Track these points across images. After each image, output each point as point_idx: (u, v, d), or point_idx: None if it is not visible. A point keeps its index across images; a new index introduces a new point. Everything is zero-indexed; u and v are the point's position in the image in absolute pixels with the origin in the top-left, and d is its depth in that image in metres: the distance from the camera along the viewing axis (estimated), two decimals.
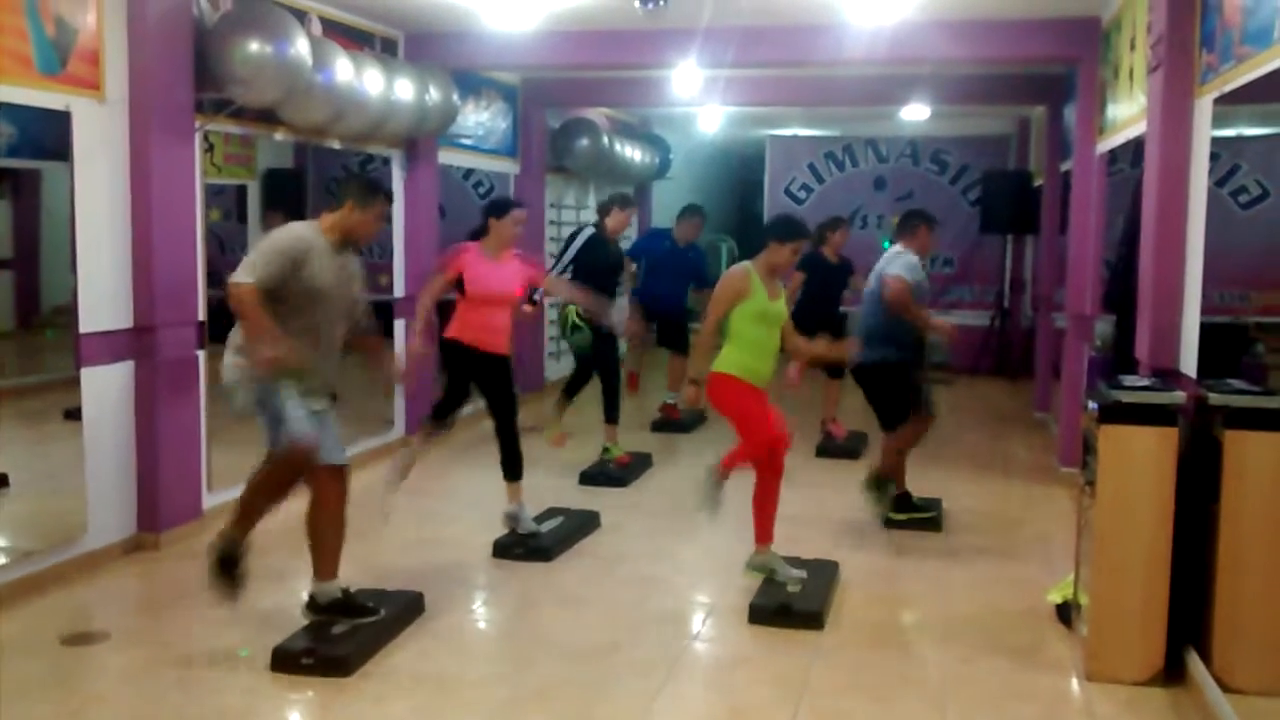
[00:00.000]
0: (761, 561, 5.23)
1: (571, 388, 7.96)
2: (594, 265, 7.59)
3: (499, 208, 5.96)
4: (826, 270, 8.43)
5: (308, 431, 4.34)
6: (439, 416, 6.15)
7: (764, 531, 5.24)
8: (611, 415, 7.83)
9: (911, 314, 6.18)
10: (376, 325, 4.91)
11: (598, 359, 7.79)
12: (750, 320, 5.03)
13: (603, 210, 7.89)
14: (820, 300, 8.32)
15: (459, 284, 5.80)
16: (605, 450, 7.77)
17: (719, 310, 5.05)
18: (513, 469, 5.91)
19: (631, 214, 8.05)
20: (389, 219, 4.52)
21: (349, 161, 8.98)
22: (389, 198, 4.70)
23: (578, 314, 7.53)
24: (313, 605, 4.59)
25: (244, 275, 4.24)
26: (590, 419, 8.15)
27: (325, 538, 4.59)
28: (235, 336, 4.40)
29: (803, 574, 5.19)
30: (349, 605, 4.60)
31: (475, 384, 5.95)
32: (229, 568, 4.43)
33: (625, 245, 9.13)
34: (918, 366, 6.50)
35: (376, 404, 8.60)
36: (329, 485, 4.55)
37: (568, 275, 7.48)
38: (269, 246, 4.33)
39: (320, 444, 4.42)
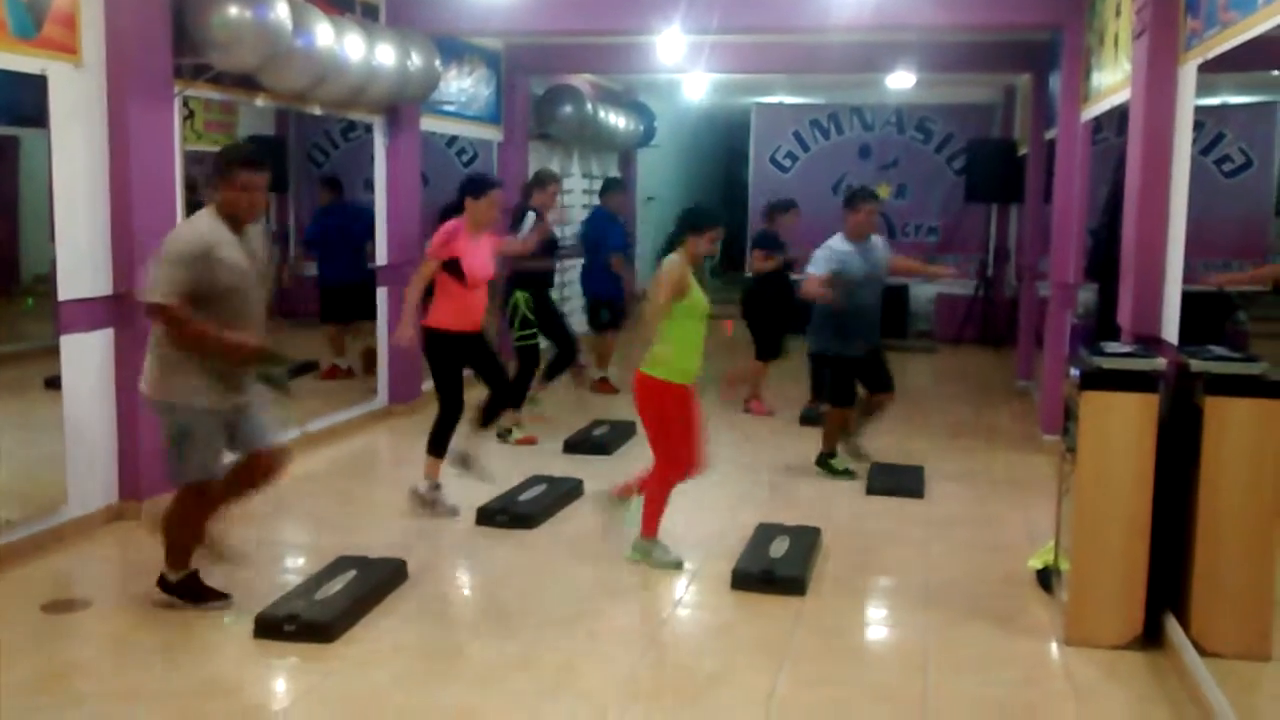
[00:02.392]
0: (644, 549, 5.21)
1: (552, 371, 8.12)
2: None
3: (476, 187, 5.90)
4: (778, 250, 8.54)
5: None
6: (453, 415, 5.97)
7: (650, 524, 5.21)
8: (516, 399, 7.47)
9: None
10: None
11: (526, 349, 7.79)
12: (684, 315, 4.95)
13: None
14: (772, 281, 8.47)
15: (451, 267, 5.73)
16: (508, 433, 7.49)
17: (666, 297, 4.91)
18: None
19: (551, 191, 7.82)
20: (268, 185, 4.44)
21: (331, 128, 8.94)
22: (247, 164, 4.42)
23: (528, 307, 7.67)
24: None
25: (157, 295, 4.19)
26: (567, 391, 8.18)
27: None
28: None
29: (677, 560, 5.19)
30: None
31: (468, 365, 5.99)
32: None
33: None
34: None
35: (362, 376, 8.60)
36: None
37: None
38: (174, 255, 4.24)
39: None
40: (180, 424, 4.33)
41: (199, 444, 4.35)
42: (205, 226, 4.30)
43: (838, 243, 6.58)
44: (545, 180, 7.87)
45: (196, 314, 4.20)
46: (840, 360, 6.65)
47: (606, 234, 9.24)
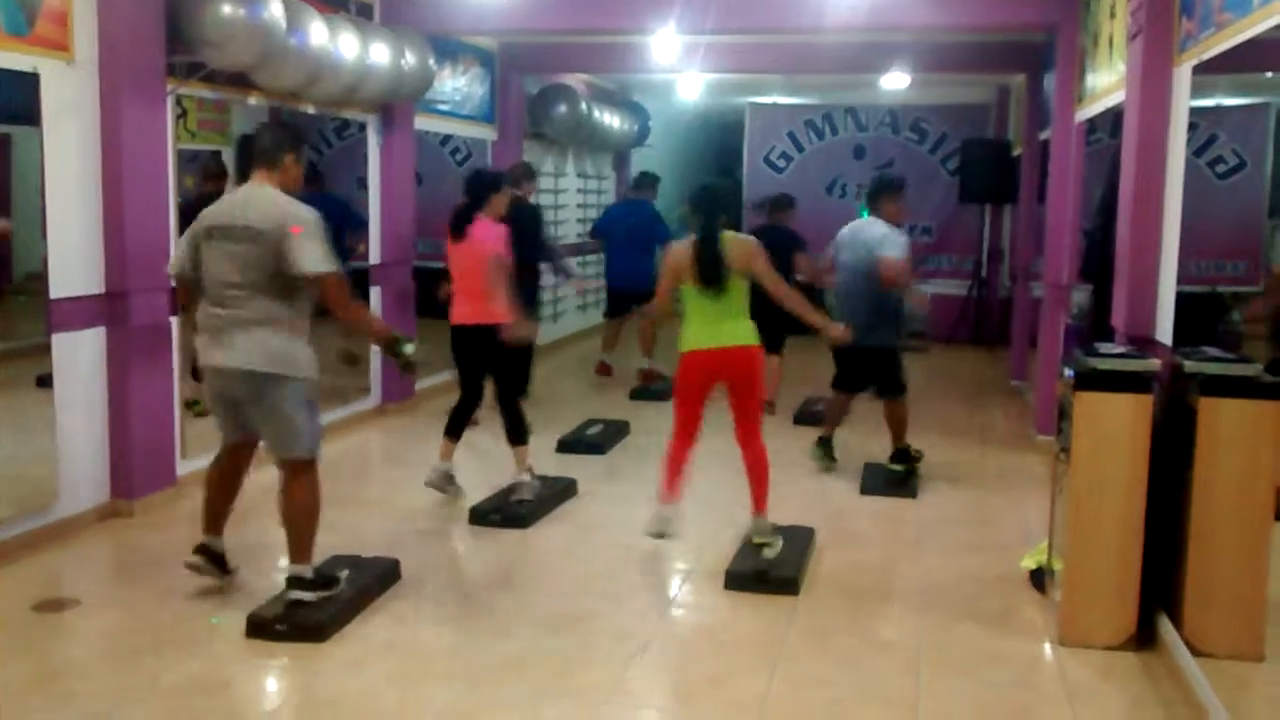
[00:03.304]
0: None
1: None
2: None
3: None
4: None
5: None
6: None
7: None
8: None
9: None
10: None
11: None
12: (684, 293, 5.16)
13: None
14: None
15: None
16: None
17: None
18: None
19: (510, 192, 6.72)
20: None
21: (324, 127, 8.91)
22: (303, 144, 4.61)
23: None
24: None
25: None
26: (562, 389, 8.16)
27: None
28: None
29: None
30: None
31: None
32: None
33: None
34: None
35: (355, 374, 8.57)
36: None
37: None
38: (320, 227, 4.33)
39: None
40: (308, 396, 4.38)
41: (317, 414, 4.46)
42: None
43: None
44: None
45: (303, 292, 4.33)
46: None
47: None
